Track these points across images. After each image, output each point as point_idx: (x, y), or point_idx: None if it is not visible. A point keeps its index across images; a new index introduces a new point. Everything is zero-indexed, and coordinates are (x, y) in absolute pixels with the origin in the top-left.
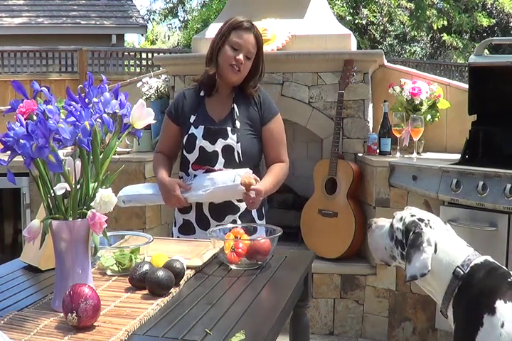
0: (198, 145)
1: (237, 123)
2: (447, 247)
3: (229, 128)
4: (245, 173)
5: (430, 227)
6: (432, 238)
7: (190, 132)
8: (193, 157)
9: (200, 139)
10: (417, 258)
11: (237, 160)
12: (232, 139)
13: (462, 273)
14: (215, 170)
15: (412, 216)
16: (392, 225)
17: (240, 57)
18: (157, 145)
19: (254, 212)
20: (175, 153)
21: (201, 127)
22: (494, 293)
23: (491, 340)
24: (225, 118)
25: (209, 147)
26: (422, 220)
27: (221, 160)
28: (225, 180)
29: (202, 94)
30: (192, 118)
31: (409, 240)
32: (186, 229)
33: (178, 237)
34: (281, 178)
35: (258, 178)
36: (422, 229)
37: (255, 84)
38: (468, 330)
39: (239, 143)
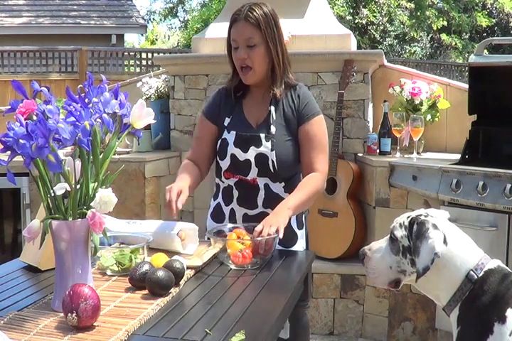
0: (230, 153)
1: (272, 129)
2: (459, 245)
3: (263, 135)
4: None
5: (431, 216)
6: (438, 224)
7: (223, 136)
8: (225, 164)
9: (231, 146)
10: (424, 246)
11: (272, 170)
12: (266, 147)
13: (476, 277)
14: (247, 181)
15: (408, 217)
16: (393, 238)
17: (241, 53)
18: (189, 152)
19: (293, 221)
20: (210, 159)
21: (233, 132)
22: (506, 302)
23: None
24: (262, 123)
25: (241, 155)
26: (420, 215)
27: (254, 170)
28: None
29: (239, 94)
30: (226, 121)
31: (413, 232)
32: None
33: None
34: (313, 191)
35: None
36: (423, 218)
37: (276, 78)
38: (477, 337)
39: (273, 151)
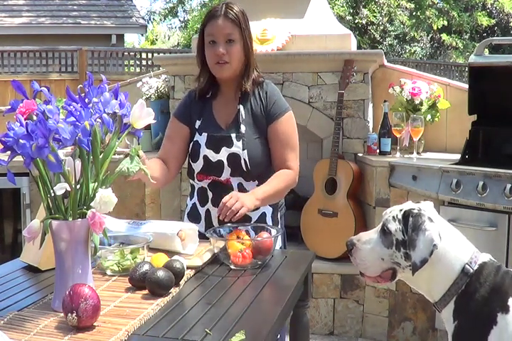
0: (202, 154)
1: (242, 128)
2: (452, 240)
3: (233, 135)
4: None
5: (424, 210)
6: (433, 217)
7: (194, 139)
8: (197, 166)
9: (203, 148)
10: (421, 238)
11: (245, 169)
12: (237, 147)
13: (472, 270)
14: (221, 181)
15: (401, 210)
16: (386, 231)
17: (220, 49)
18: (159, 151)
19: (268, 219)
20: (179, 160)
21: (204, 134)
22: (505, 291)
23: (506, 338)
24: (231, 122)
25: (213, 156)
26: (413, 208)
27: (227, 170)
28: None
29: (208, 95)
30: (197, 124)
31: (409, 225)
32: None
33: None
34: (283, 186)
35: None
36: (417, 211)
37: (248, 75)
38: (480, 329)
39: (245, 151)
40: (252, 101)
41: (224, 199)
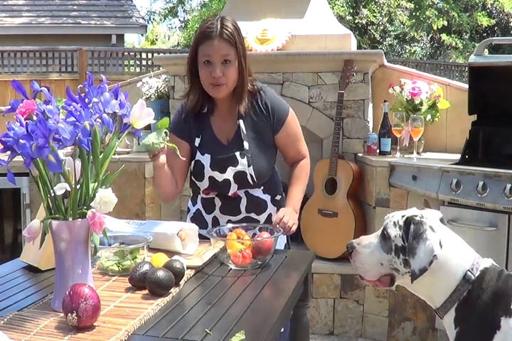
0: (207, 176)
1: (246, 144)
2: (453, 247)
3: (237, 153)
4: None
5: (426, 218)
6: (435, 226)
7: (196, 158)
8: (203, 185)
9: (207, 169)
10: (421, 247)
11: (251, 182)
12: (242, 164)
13: (473, 277)
14: (228, 196)
15: (403, 216)
16: (386, 236)
17: (217, 72)
18: None
19: (273, 219)
20: (183, 177)
21: (207, 156)
22: (509, 295)
23: None
24: (233, 138)
25: (219, 176)
26: (415, 215)
27: (234, 186)
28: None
29: (204, 110)
30: (197, 141)
31: (410, 233)
32: None
33: None
34: (306, 179)
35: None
36: (419, 219)
37: (242, 93)
38: (483, 334)
39: (251, 167)
40: (253, 115)
41: (279, 215)
